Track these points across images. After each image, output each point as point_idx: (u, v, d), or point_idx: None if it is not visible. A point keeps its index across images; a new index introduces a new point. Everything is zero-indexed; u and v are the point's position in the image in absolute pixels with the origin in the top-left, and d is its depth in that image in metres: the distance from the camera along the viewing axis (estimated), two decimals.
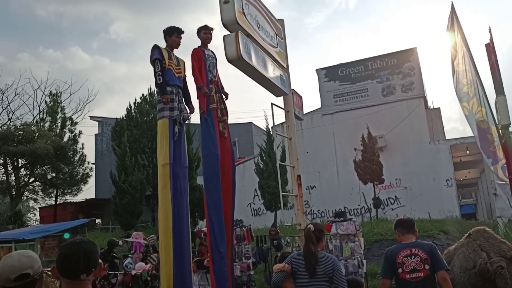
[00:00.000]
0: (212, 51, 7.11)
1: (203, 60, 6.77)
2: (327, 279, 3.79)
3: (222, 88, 7.19)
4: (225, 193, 6.74)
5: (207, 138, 6.66)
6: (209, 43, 7.03)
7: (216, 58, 7.12)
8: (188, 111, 6.72)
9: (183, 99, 6.64)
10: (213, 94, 6.77)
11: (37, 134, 26.11)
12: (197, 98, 6.82)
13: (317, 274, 3.79)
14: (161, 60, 6.26)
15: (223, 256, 6.40)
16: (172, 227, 5.92)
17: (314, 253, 3.83)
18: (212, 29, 7.04)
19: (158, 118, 6.31)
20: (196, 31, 7.00)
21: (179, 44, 6.68)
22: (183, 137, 6.54)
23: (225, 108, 7.03)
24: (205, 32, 6.97)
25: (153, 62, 6.30)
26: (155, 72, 6.28)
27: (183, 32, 6.68)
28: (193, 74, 6.76)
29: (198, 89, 6.67)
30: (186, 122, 6.71)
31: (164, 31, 6.65)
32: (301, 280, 3.84)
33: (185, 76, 6.78)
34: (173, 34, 6.59)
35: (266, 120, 23.56)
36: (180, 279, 5.87)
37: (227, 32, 7.41)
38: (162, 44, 6.67)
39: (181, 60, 6.77)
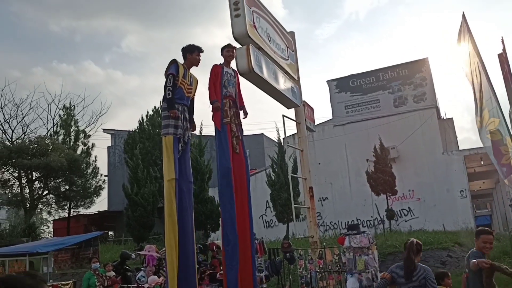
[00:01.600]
0: (233, 70, 7.17)
1: (219, 76, 6.84)
2: (420, 286, 4.54)
3: (243, 106, 7.20)
4: (241, 207, 6.75)
5: (220, 151, 6.72)
6: (231, 60, 7.10)
7: (236, 77, 7.18)
8: (191, 131, 6.81)
9: (188, 117, 6.74)
10: (227, 109, 6.81)
11: (51, 147, 26.42)
12: (212, 111, 6.90)
13: (412, 279, 4.55)
14: (174, 76, 6.33)
15: (235, 270, 6.39)
16: (178, 241, 5.98)
17: (414, 261, 4.59)
18: (235, 47, 7.11)
19: (163, 134, 6.40)
20: (220, 49, 7.10)
21: (199, 62, 6.79)
22: (187, 152, 6.62)
23: (240, 124, 7.05)
24: (227, 50, 7.07)
25: (167, 76, 6.37)
26: (165, 86, 6.35)
27: (203, 51, 6.79)
28: (208, 89, 6.83)
29: (211, 103, 6.75)
30: (192, 135, 6.79)
31: (184, 48, 6.73)
32: (400, 285, 4.65)
33: (194, 95, 6.86)
34: (194, 52, 6.69)
35: (278, 132, 23.62)
36: None
37: (238, 45, 7.48)
38: (179, 58, 6.76)
39: (195, 79, 6.84)
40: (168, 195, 6.16)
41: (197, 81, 6.90)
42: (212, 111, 6.86)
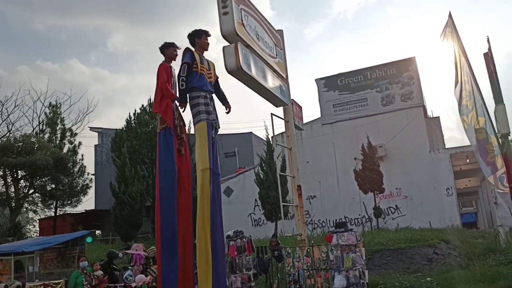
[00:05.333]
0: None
1: (170, 76, 6.72)
2: None
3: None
4: (184, 212, 6.49)
5: (165, 154, 6.46)
6: (174, 60, 7.00)
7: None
8: (227, 112, 6.71)
9: (219, 99, 6.72)
10: (174, 111, 6.70)
11: (36, 145, 26.10)
12: (155, 111, 6.72)
13: None
14: (190, 64, 6.24)
15: (173, 278, 6.18)
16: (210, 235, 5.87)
17: None
18: (180, 48, 6.92)
19: (196, 122, 6.28)
20: (162, 45, 6.88)
21: (209, 45, 6.79)
22: (216, 144, 6.51)
23: (184, 125, 6.93)
24: (174, 49, 6.91)
25: (181, 65, 6.34)
26: (179, 76, 6.23)
27: (210, 35, 6.81)
28: (162, 85, 6.55)
29: (173, 101, 6.52)
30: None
31: (191, 34, 6.69)
32: None
33: (217, 78, 6.79)
34: (202, 36, 6.65)
35: (266, 130, 23.47)
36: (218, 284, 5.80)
37: (226, 44, 7.45)
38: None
39: (211, 63, 6.82)
40: (202, 185, 5.96)
41: (213, 64, 6.86)
42: (160, 111, 6.60)
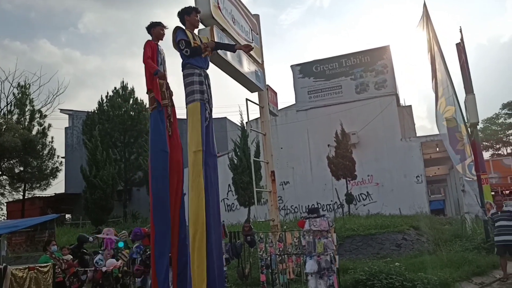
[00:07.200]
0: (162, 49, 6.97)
1: (155, 53, 6.59)
2: None
3: None
4: (175, 194, 6.44)
5: (155, 134, 6.37)
6: (162, 40, 6.88)
7: (165, 56, 6.97)
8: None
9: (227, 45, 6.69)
10: (164, 90, 6.59)
11: (4, 127, 25.34)
12: (148, 89, 6.54)
13: None
14: (186, 40, 6.13)
15: (165, 258, 6.20)
16: (206, 219, 5.74)
17: None
18: (167, 27, 6.84)
19: (188, 102, 6.11)
20: (149, 25, 6.80)
21: (199, 23, 6.67)
22: (211, 124, 6.36)
23: (173, 106, 6.79)
24: (161, 28, 6.78)
25: (177, 43, 6.18)
26: (181, 50, 6.13)
27: (200, 11, 6.67)
28: (145, 61, 6.44)
29: (155, 74, 6.37)
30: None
31: (180, 12, 6.53)
32: None
33: (212, 48, 6.55)
34: (191, 13, 6.50)
35: (241, 116, 23.31)
36: (213, 272, 5.73)
37: (202, 26, 7.34)
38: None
39: (203, 37, 6.68)
40: (194, 168, 5.82)
41: (206, 38, 6.74)
42: (149, 87, 6.48)
